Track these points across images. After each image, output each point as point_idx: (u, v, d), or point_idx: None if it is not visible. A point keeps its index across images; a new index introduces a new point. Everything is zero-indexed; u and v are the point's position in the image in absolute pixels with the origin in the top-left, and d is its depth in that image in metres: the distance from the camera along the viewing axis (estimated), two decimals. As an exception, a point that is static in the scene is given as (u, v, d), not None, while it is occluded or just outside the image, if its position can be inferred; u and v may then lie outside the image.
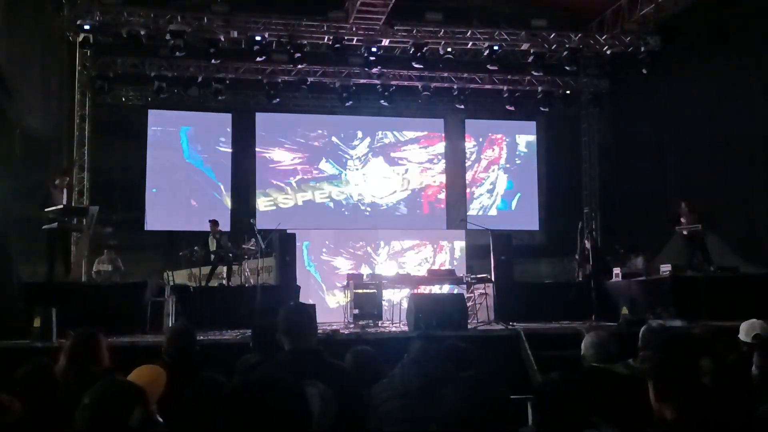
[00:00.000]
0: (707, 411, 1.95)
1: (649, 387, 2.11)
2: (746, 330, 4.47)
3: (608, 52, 14.78)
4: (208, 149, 16.38)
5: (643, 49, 14.41)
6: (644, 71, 14.46)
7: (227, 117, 16.48)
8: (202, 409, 1.85)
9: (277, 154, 16.71)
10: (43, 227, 9.65)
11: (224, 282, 12.24)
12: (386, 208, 17.03)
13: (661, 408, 2.05)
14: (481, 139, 17.80)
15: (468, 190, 17.48)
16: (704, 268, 11.17)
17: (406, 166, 17.29)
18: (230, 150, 16.46)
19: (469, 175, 17.55)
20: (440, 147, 17.59)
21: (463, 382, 2.20)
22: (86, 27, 12.98)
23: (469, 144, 17.70)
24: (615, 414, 3.07)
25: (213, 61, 13.96)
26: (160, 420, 2.28)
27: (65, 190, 10.17)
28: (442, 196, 17.47)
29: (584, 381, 3.28)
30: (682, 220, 11.60)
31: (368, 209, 16.95)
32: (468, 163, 17.59)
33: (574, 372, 3.52)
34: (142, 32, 13.24)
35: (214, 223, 12.46)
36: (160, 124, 16.17)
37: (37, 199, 9.96)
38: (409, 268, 14.27)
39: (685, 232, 11.58)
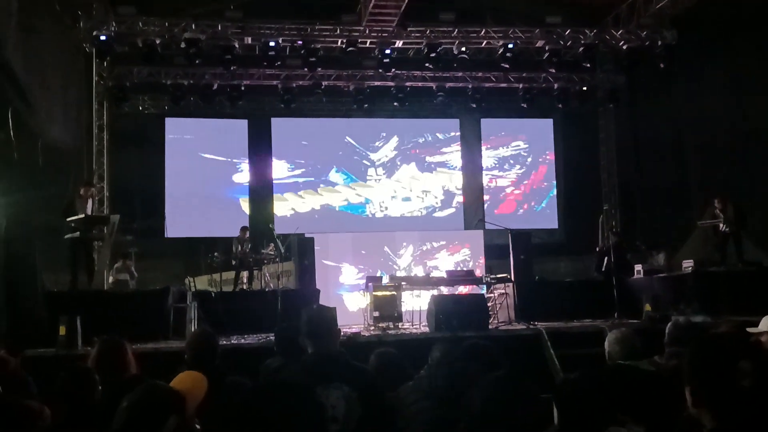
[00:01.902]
0: (749, 417, 1.89)
1: (686, 392, 2.04)
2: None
3: (624, 47, 14.64)
4: (225, 156, 16.46)
5: (659, 43, 14.26)
6: (661, 65, 14.31)
7: (243, 123, 16.56)
8: (233, 414, 1.86)
9: (292, 159, 16.76)
10: (66, 236, 9.76)
11: (245, 287, 12.31)
12: (406, 213, 17.02)
13: (700, 414, 1.98)
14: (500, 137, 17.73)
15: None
16: (736, 264, 11.00)
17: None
18: (247, 156, 16.54)
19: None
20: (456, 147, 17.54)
21: (491, 382, 2.19)
22: (102, 38, 13.10)
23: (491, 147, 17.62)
24: (641, 411, 3.05)
25: (228, 68, 14.05)
26: (198, 428, 2.27)
27: (90, 201, 10.26)
28: (460, 198, 17.41)
29: (609, 378, 3.25)
30: (718, 214, 11.33)
31: (386, 211, 16.94)
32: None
33: (598, 369, 3.49)
34: (158, 41, 13.35)
35: (243, 229, 12.60)
36: (178, 132, 16.28)
37: (59, 209, 10.09)
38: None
39: (722, 226, 11.29)
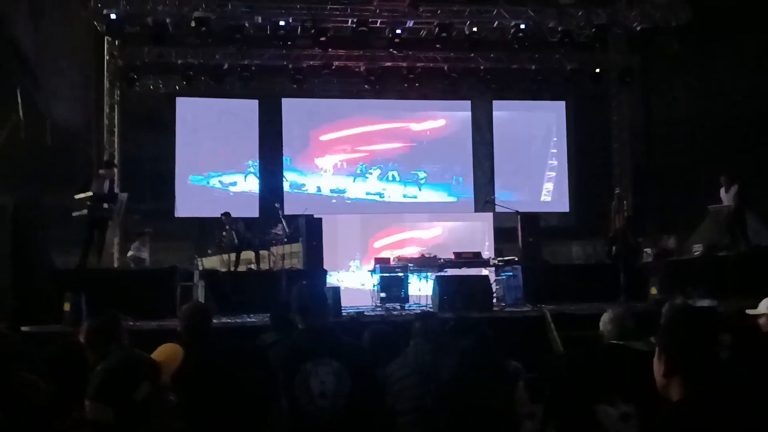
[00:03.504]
0: (721, 389, 1.87)
1: (655, 361, 2.02)
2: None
3: (638, 27, 14.46)
4: (236, 136, 16.46)
5: (673, 23, 14.07)
6: (675, 46, 14.12)
7: (254, 104, 16.53)
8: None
9: (302, 141, 16.73)
10: (73, 214, 9.83)
11: (253, 267, 12.37)
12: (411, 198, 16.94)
13: (668, 385, 1.96)
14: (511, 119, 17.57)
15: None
16: (738, 246, 10.93)
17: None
18: (258, 137, 16.52)
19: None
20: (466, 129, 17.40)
21: (459, 351, 2.19)
22: (113, 17, 13.12)
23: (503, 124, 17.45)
24: (631, 390, 3.03)
25: (239, 48, 14.04)
26: (172, 398, 2.30)
27: (107, 181, 10.29)
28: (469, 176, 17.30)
29: (599, 357, 3.23)
30: (722, 195, 11.26)
31: (394, 195, 16.88)
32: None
33: (589, 348, 3.47)
34: (168, 20, 13.35)
35: (225, 215, 12.60)
36: (189, 112, 16.28)
37: (68, 189, 10.17)
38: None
39: (725, 205, 11.20)
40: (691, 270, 10.24)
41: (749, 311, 4.16)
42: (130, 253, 12.51)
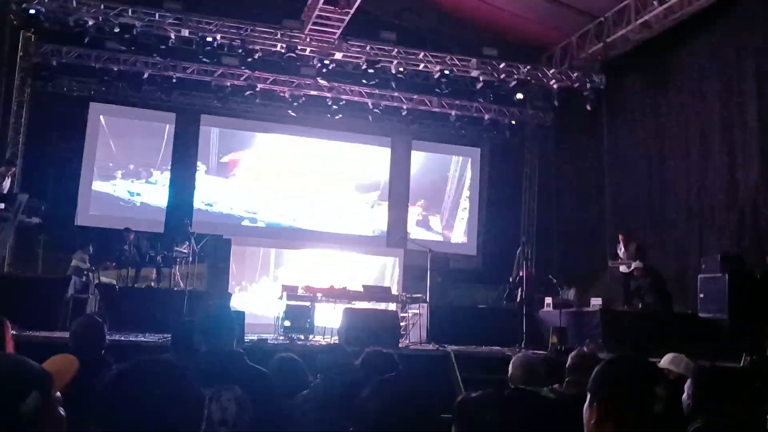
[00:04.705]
0: None
1: (586, 411, 2.00)
2: (675, 361, 4.58)
3: (555, 86, 15.08)
4: (148, 146, 15.97)
5: (588, 86, 14.77)
6: (588, 108, 14.80)
7: (171, 116, 16.13)
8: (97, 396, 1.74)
9: (217, 158, 16.41)
10: (-34, 213, 9.23)
11: (153, 284, 11.91)
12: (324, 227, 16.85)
13: (601, 429, 1.95)
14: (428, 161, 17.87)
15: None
16: (635, 303, 11.41)
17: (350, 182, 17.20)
18: (171, 149, 16.08)
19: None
20: (384, 165, 17.56)
21: (382, 384, 2.13)
22: (32, 11, 12.55)
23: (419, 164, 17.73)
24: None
25: (164, 58, 13.72)
26: (62, 412, 2.11)
27: (7, 180, 9.74)
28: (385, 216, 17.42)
29: (506, 401, 3.23)
30: (619, 254, 11.82)
31: (311, 224, 16.75)
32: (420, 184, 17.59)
33: (499, 391, 3.47)
34: (90, 22, 12.88)
35: (127, 230, 12.22)
36: (102, 117, 15.72)
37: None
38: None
39: (622, 268, 11.78)
40: (590, 323, 10.58)
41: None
42: (73, 263, 11.82)
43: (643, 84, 14.28)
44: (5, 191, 9.54)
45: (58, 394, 2.16)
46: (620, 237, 11.98)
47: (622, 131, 14.70)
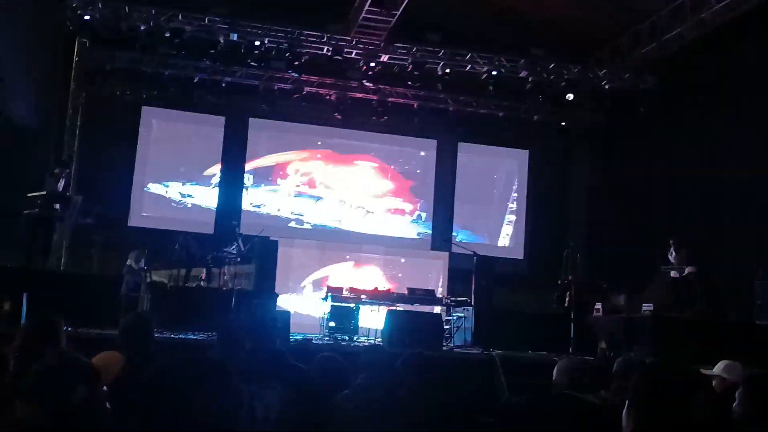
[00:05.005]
0: None
1: (625, 417, 1.96)
2: (728, 368, 4.45)
3: (607, 87, 14.81)
4: (199, 150, 16.26)
5: (640, 87, 14.46)
6: (641, 109, 14.47)
7: (221, 119, 16.38)
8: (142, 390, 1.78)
9: (266, 161, 16.61)
10: (24, 212, 9.52)
11: (202, 284, 12.10)
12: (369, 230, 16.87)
13: None
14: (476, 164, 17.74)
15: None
16: (686, 309, 11.09)
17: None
18: (221, 152, 16.34)
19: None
20: (430, 167, 17.51)
21: (420, 384, 2.12)
22: (86, 18, 12.92)
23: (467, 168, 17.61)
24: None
25: (213, 62, 13.97)
26: (107, 405, 2.18)
27: (61, 181, 10.01)
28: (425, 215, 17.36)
29: (549, 406, 3.18)
30: (671, 259, 11.50)
31: (345, 225, 16.81)
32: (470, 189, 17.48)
33: (543, 396, 3.43)
34: (142, 27, 13.19)
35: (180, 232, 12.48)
36: (153, 121, 16.06)
37: (21, 189, 9.86)
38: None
39: (673, 273, 11.46)
40: (640, 328, 10.32)
41: (704, 371, 4.18)
42: (128, 262, 12.13)
43: (699, 84, 13.88)
44: (60, 191, 9.81)
45: (105, 387, 2.23)
46: (672, 241, 11.66)
47: (676, 133, 14.35)
